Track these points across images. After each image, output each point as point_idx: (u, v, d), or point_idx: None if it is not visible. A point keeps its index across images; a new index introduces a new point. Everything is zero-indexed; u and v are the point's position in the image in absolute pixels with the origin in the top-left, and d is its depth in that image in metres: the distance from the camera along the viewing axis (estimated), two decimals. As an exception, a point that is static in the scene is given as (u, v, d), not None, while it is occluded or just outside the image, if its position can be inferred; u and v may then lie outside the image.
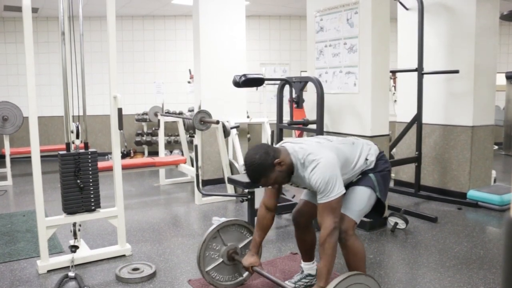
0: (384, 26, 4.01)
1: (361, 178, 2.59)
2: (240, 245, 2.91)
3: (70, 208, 3.31)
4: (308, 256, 2.92)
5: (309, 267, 2.93)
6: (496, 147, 7.55)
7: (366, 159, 2.58)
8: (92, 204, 3.39)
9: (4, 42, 8.72)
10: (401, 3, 5.58)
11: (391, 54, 4.36)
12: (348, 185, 2.57)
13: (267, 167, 2.41)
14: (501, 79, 7.87)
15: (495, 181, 5.64)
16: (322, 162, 2.34)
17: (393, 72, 6.02)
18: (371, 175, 2.58)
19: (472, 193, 5.00)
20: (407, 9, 5.58)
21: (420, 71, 5.08)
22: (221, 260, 2.85)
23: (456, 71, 4.93)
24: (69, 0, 3.34)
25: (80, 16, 3.38)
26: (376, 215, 2.77)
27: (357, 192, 2.56)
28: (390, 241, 3.88)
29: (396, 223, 4.08)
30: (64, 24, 3.29)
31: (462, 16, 5.11)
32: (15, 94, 8.41)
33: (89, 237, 4.03)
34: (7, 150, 6.55)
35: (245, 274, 2.94)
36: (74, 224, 3.48)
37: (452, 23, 5.22)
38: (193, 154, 5.57)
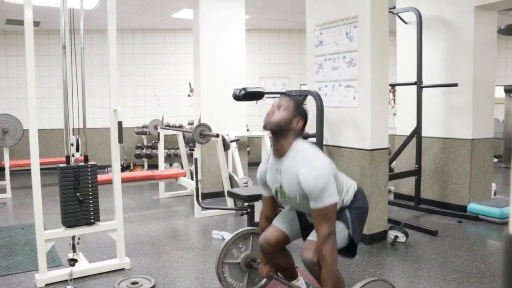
0: (383, 40, 4.04)
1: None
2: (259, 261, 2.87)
3: (69, 221, 3.30)
4: (289, 276, 2.80)
5: (297, 284, 2.83)
6: (495, 159, 7.55)
7: (343, 198, 2.48)
8: (92, 217, 3.38)
9: (6, 55, 8.77)
10: (400, 17, 5.63)
11: (390, 68, 4.38)
12: None
13: (296, 111, 2.39)
14: (500, 92, 7.90)
15: (495, 194, 5.63)
16: (319, 163, 2.27)
17: (393, 86, 6.05)
18: (346, 211, 2.50)
19: (472, 206, 4.99)
20: (406, 23, 5.63)
21: (419, 84, 5.11)
22: (238, 261, 2.85)
23: (455, 84, 4.96)
24: (70, 14, 3.37)
25: (81, 29, 3.40)
26: (348, 254, 2.63)
27: None
28: (390, 255, 3.86)
29: (396, 237, 4.06)
30: (65, 37, 3.32)
31: (460, 30, 5.15)
32: (15, 107, 8.44)
33: (88, 250, 4.01)
34: (7, 163, 6.55)
35: None
36: (73, 237, 3.47)
37: (450, 37, 5.26)
38: (192, 167, 5.56)
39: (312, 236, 2.40)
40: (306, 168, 2.27)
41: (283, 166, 2.38)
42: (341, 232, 2.45)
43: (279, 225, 2.63)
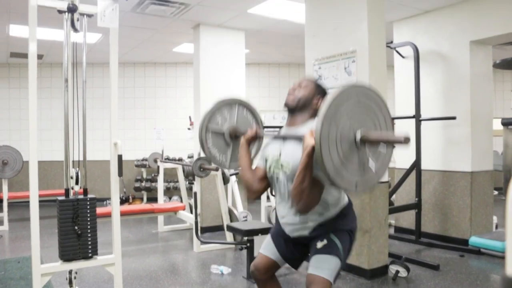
0: (381, 74, 4.10)
1: (325, 243, 2.27)
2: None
3: (66, 255, 3.26)
4: None
5: None
6: (496, 192, 7.52)
7: (340, 198, 2.33)
8: (89, 251, 3.34)
9: (8, 87, 8.87)
10: (397, 52, 5.72)
11: (389, 101, 4.42)
12: (309, 248, 2.35)
13: (317, 90, 2.40)
14: (497, 124, 7.93)
15: (496, 227, 5.58)
16: None
17: (391, 119, 6.09)
18: (335, 239, 2.27)
19: (474, 240, 4.94)
20: (403, 57, 5.72)
21: (417, 117, 5.15)
22: (222, 131, 2.72)
23: (453, 118, 5.00)
24: (73, 48, 3.42)
25: (84, 63, 3.45)
26: None
27: (324, 255, 2.25)
28: (392, 290, 3.80)
29: (397, 271, 4.00)
30: (67, 71, 3.36)
31: (457, 64, 5.23)
32: (16, 138, 8.47)
33: (85, 285, 3.95)
34: (5, 194, 6.52)
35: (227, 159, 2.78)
36: (70, 272, 3.42)
37: (447, 71, 5.34)
38: (192, 201, 5.54)
39: (312, 269, 2.26)
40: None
41: (292, 131, 2.36)
42: (338, 263, 2.26)
43: (266, 252, 2.53)
